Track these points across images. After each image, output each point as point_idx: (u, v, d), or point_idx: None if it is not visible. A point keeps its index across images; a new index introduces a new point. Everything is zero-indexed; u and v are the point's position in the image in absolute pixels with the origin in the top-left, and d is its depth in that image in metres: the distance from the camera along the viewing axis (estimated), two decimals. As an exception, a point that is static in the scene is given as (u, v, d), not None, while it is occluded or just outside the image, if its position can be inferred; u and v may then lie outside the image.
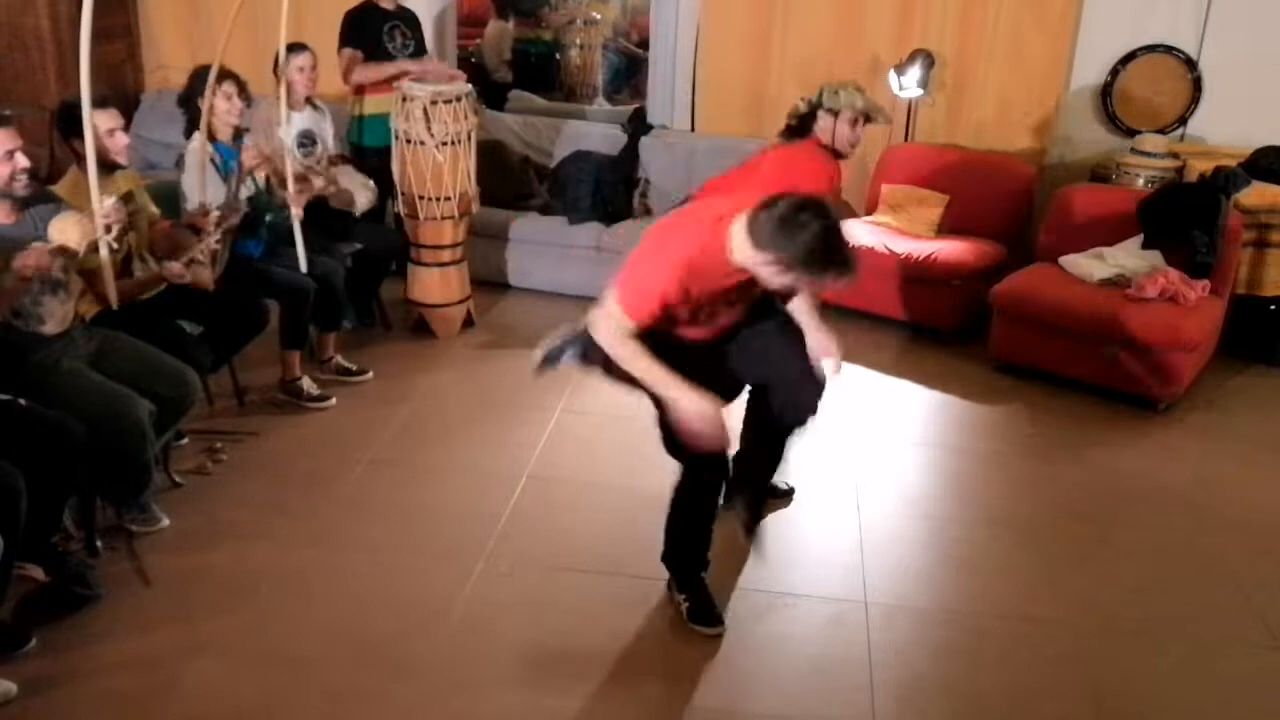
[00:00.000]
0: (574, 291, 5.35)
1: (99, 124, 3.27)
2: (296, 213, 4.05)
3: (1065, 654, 2.98)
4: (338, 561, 3.26)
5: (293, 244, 4.08)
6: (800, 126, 3.56)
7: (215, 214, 3.73)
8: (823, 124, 3.43)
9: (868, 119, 3.56)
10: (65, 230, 2.97)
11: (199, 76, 3.92)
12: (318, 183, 4.31)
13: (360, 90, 4.95)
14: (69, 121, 3.35)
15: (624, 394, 2.81)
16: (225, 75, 3.86)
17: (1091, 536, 3.58)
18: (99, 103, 3.27)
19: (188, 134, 3.96)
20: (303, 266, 4.09)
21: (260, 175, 4.09)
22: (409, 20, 5.06)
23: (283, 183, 4.08)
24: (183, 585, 3.11)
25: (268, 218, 4.09)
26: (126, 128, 3.55)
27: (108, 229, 3.09)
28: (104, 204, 3.07)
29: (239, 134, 4.07)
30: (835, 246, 2.34)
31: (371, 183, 4.61)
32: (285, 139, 4.13)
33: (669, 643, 2.95)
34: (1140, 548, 3.51)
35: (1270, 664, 2.98)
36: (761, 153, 3.94)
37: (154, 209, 3.73)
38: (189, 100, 3.97)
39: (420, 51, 5.07)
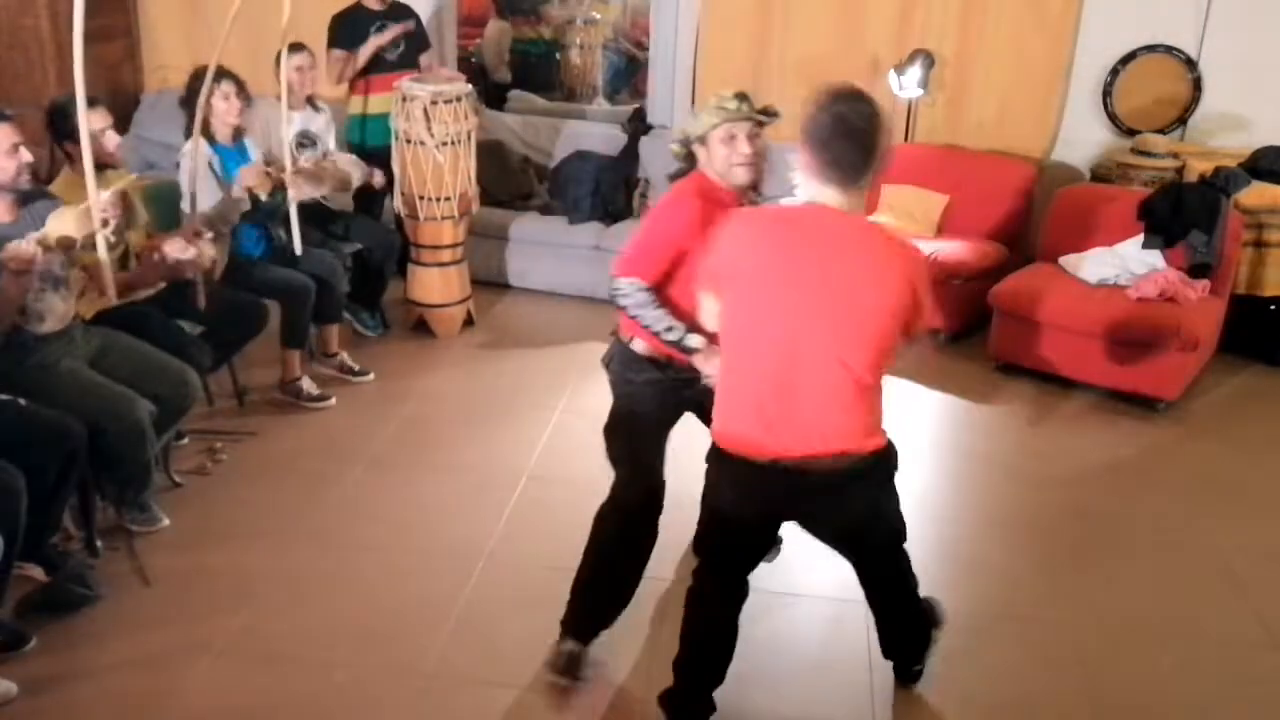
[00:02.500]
0: (574, 292, 5.36)
1: (91, 116, 3.27)
2: (293, 194, 4.03)
3: (1065, 654, 2.98)
4: (337, 561, 3.26)
5: (288, 229, 4.07)
6: (687, 169, 2.88)
7: (208, 236, 3.68)
8: (701, 158, 2.77)
9: (759, 123, 2.73)
10: (64, 224, 2.97)
11: (198, 77, 3.92)
12: (316, 189, 4.30)
13: (359, 90, 4.95)
14: (58, 122, 3.38)
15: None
16: (223, 75, 3.86)
17: (1091, 536, 3.58)
18: (88, 103, 3.28)
19: (188, 134, 3.96)
20: (297, 249, 4.07)
21: (261, 193, 4.03)
22: (401, 18, 5.02)
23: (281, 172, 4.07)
24: (183, 585, 3.11)
25: (263, 198, 4.08)
26: (126, 128, 3.55)
27: (105, 222, 3.08)
28: (101, 197, 3.07)
29: (239, 134, 4.07)
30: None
31: (360, 160, 4.58)
32: (284, 135, 4.12)
33: (669, 641, 2.94)
34: (1140, 547, 3.51)
35: (1270, 664, 2.98)
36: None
37: (144, 215, 3.72)
38: (190, 101, 3.96)
39: (416, 48, 5.05)
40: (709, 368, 2.61)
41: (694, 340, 2.63)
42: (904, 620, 2.75)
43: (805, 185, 2.31)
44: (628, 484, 2.88)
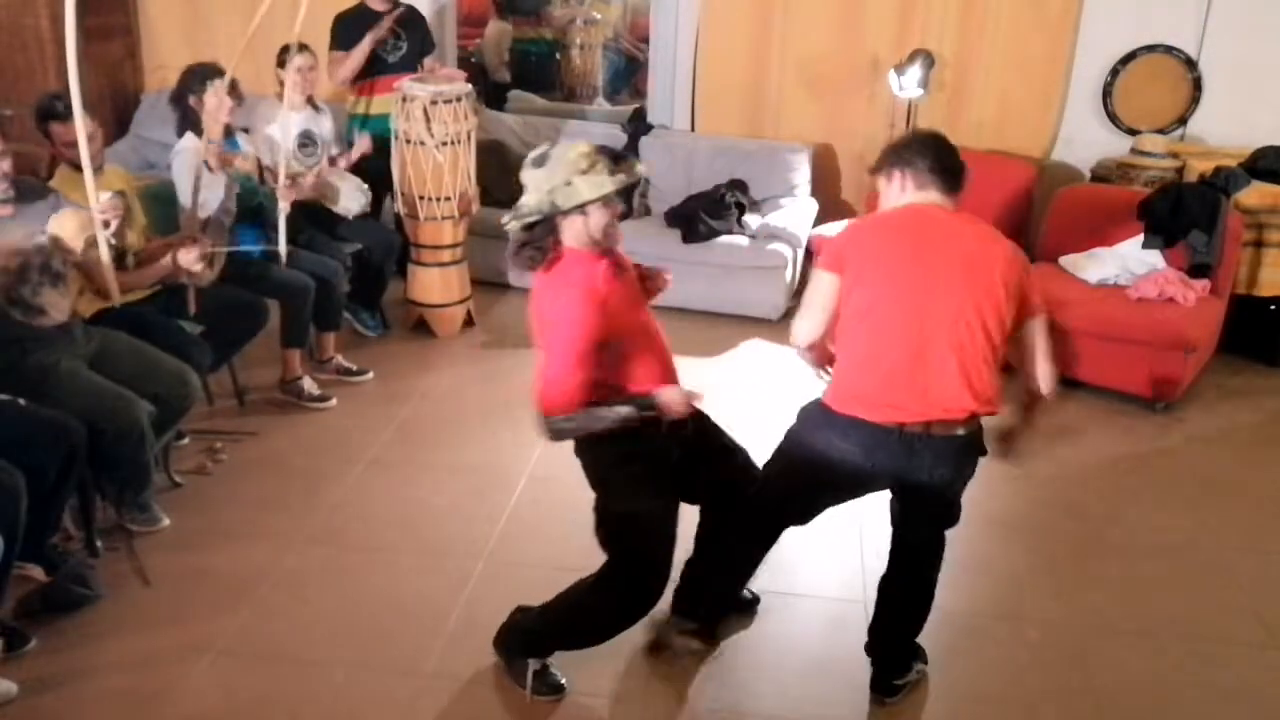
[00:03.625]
0: (574, 291, 5.35)
1: (60, 128, 3.33)
2: (284, 206, 4.03)
3: (1065, 654, 2.98)
4: (337, 561, 3.26)
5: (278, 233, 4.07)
6: (541, 247, 2.49)
7: (206, 243, 3.68)
8: (572, 229, 2.47)
9: (629, 189, 2.48)
10: (63, 226, 2.98)
11: (191, 75, 3.93)
12: (307, 180, 4.30)
13: (362, 91, 4.94)
14: (40, 123, 3.45)
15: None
16: (217, 74, 3.86)
17: (1091, 536, 3.58)
18: (59, 100, 3.32)
19: (179, 132, 3.96)
20: (282, 255, 4.08)
21: (249, 168, 4.07)
22: (403, 19, 5.02)
23: (274, 175, 4.07)
24: (183, 585, 3.11)
25: (256, 200, 4.08)
26: (126, 128, 3.56)
27: (106, 224, 3.08)
28: (100, 199, 3.07)
29: (230, 132, 4.07)
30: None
31: (365, 186, 4.56)
32: (282, 139, 4.12)
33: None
34: (1139, 548, 3.51)
35: (1270, 664, 2.98)
36: None
37: (142, 217, 3.72)
38: (180, 98, 3.97)
39: (418, 50, 5.04)
40: (678, 402, 2.48)
41: (644, 400, 2.47)
42: (910, 606, 2.76)
43: (903, 198, 2.56)
44: (629, 584, 2.61)
